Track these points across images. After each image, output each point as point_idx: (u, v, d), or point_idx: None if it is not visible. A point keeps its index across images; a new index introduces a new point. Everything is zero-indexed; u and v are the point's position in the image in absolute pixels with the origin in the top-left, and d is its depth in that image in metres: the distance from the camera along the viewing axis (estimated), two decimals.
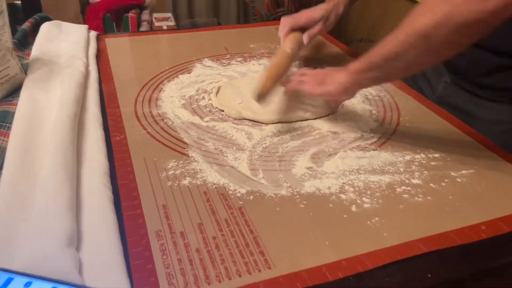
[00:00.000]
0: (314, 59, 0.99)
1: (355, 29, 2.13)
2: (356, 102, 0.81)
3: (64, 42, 0.95)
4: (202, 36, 1.12)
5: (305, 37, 0.83)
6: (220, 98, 0.79)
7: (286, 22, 0.84)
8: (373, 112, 0.78)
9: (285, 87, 0.73)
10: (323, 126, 0.72)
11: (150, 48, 1.05)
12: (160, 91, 0.82)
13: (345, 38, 2.03)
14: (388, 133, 0.72)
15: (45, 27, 0.99)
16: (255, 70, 0.92)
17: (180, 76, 0.88)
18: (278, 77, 0.71)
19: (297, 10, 2.38)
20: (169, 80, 0.87)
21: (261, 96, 0.67)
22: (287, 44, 0.79)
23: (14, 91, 0.78)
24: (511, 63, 0.73)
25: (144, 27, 2.23)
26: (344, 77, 0.63)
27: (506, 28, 0.52)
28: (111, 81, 0.85)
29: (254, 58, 0.99)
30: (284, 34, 0.83)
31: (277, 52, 0.80)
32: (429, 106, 0.79)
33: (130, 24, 2.13)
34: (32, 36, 0.99)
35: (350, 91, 0.66)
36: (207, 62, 0.95)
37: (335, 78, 0.65)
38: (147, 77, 0.87)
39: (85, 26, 1.06)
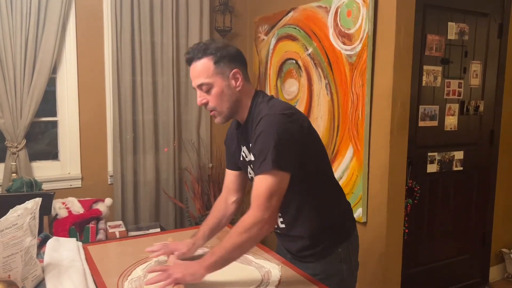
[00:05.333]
0: None
1: None
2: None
3: (64, 251, 1.45)
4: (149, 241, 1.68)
5: (175, 254, 1.39)
6: None
7: (160, 247, 1.41)
8: None
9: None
10: None
11: (120, 250, 1.57)
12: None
13: None
14: None
15: (50, 243, 1.50)
16: None
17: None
18: None
19: None
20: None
21: None
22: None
23: (37, 286, 1.24)
24: (305, 243, 1.38)
25: (101, 234, 2.72)
26: (197, 270, 1.18)
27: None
28: (98, 273, 1.34)
29: None
30: (156, 255, 1.40)
31: None
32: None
33: (90, 232, 2.64)
34: (40, 248, 1.48)
35: (199, 278, 1.18)
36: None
37: (189, 270, 1.18)
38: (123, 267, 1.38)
39: (74, 239, 1.58)
